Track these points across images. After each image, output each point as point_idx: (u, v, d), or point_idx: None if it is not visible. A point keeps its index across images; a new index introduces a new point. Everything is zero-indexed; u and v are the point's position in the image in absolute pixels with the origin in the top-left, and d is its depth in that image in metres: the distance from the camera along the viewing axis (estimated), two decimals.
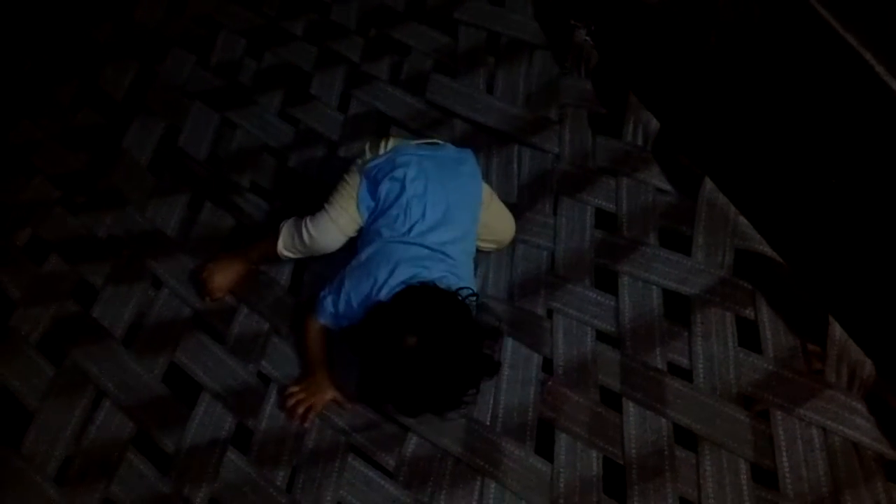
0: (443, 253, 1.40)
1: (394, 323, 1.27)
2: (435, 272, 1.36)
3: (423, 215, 1.40)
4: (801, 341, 1.44)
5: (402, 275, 1.35)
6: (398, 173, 1.42)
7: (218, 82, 2.00)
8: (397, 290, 1.32)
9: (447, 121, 1.86)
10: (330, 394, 1.42)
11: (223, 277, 1.58)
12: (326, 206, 1.48)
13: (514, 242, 1.63)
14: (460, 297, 1.32)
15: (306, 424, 1.40)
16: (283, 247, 1.53)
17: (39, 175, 1.85)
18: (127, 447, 1.41)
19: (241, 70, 2.02)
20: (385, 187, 1.42)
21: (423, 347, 1.24)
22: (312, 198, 1.53)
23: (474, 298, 1.36)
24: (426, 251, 1.39)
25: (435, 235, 1.40)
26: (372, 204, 1.44)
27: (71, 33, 2.16)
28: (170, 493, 1.35)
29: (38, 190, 1.82)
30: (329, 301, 1.41)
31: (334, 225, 1.47)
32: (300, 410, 1.40)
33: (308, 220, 1.49)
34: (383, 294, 1.33)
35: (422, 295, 1.31)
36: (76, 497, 1.36)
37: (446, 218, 1.42)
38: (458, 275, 1.39)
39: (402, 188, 1.41)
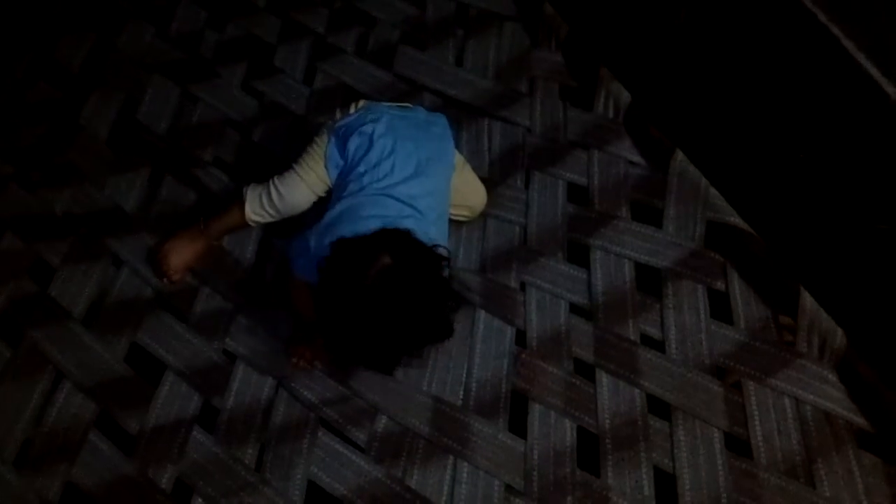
0: (412, 207, 1.33)
1: (365, 248, 1.18)
2: (404, 225, 1.27)
3: (392, 170, 1.35)
4: (772, 312, 1.44)
5: (370, 229, 1.25)
6: (366, 128, 1.38)
7: (178, 54, 1.93)
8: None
9: (416, 94, 1.83)
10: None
11: (179, 257, 1.53)
12: (294, 165, 1.44)
13: (485, 217, 1.61)
14: (433, 250, 1.24)
15: (320, 367, 1.42)
16: (252, 211, 1.47)
17: None
18: (89, 429, 1.37)
19: (202, 42, 1.95)
20: (354, 143, 1.38)
21: (394, 274, 1.15)
22: (277, 173, 1.48)
23: (447, 254, 1.27)
24: (395, 203, 1.32)
25: (404, 188, 1.34)
26: (341, 162, 1.40)
27: (24, 4, 2.07)
28: (134, 475, 1.32)
29: None
30: (300, 264, 1.35)
31: (303, 182, 1.42)
32: (304, 365, 1.42)
33: (276, 180, 1.45)
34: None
35: (396, 233, 1.22)
36: (36, 481, 1.32)
37: (417, 173, 1.36)
38: (429, 233, 1.30)
39: (371, 144, 1.36)
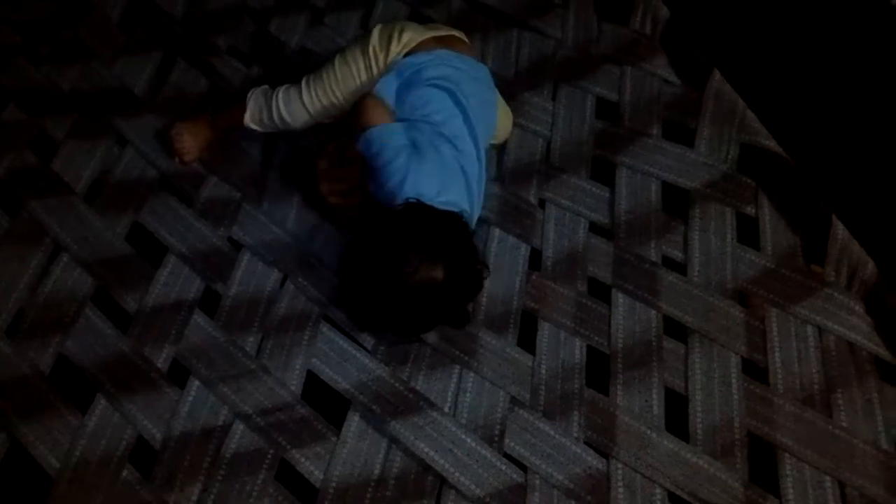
0: (464, 172, 1.29)
1: (429, 248, 1.17)
2: (454, 193, 1.25)
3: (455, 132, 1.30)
4: (801, 240, 1.38)
5: (423, 187, 1.21)
6: (436, 83, 1.31)
7: None
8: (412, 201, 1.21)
9: None
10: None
11: (193, 140, 1.47)
12: (304, 85, 1.36)
13: None
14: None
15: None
16: (251, 119, 1.41)
17: None
18: (84, 303, 1.32)
19: None
20: (414, 95, 1.30)
21: (438, 292, 1.17)
22: (291, 65, 1.40)
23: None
24: (453, 157, 1.27)
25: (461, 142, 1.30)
26: (393, 105, 1.31)
27: None
28: (129, 352, 1.27)
29: None
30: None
31: (305, 111, 1.36)
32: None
33: (280, 99, 1.37)
34: (399, 199, 1.21)
35: (460, 244, 1.22)
36: (28, 350, 1.27)
37: (474, 135, 1.32)
38: (471, 195, 1.30)
39: (439, 104, 1.30)
